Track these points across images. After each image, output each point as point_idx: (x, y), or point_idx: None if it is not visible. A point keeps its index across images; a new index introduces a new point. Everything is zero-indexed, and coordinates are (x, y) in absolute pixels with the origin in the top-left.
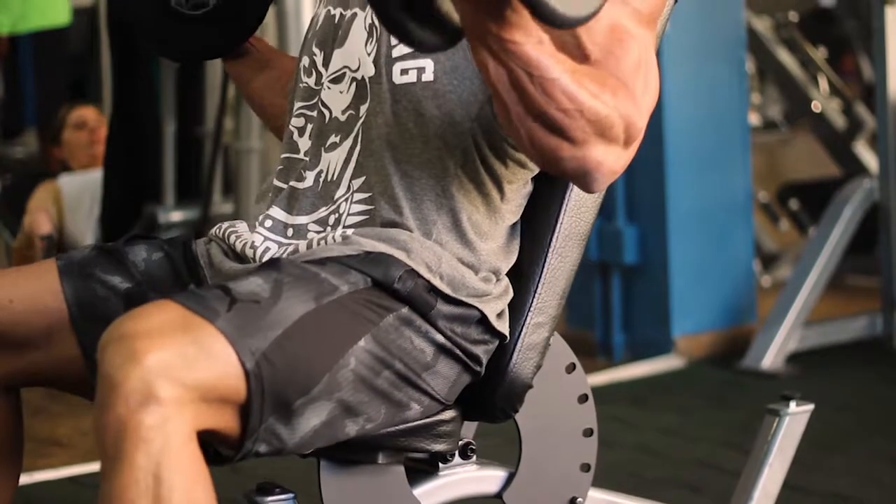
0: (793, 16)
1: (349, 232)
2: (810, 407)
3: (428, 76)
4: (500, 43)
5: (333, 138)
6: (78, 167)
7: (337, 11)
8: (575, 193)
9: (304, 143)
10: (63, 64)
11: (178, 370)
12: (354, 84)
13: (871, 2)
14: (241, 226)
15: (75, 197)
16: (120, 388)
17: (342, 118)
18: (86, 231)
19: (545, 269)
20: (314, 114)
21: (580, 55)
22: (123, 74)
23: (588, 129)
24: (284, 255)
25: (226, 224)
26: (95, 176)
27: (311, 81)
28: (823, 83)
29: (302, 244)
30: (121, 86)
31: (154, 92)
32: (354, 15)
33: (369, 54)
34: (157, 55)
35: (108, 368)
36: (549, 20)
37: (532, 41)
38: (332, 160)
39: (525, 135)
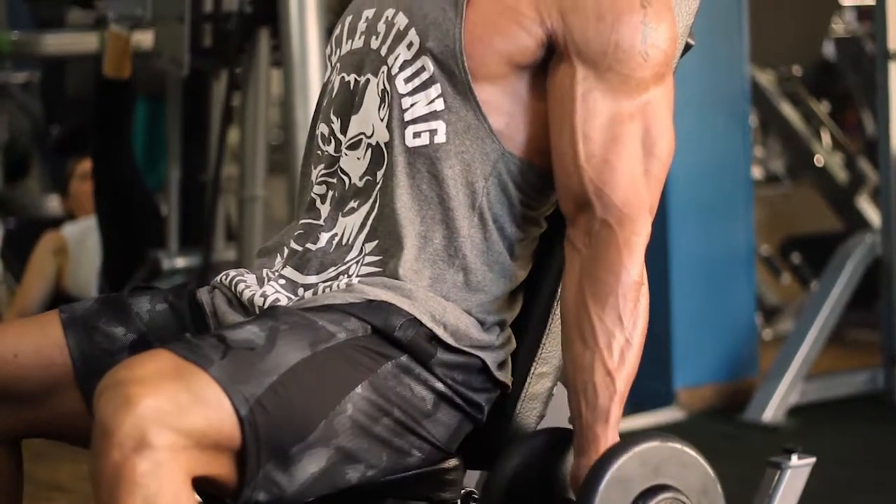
0: (796, 70)
1: (354, 280)
2: (812, 460)
3: (440, 138)
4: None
5: (352, 204)
6: (83, 215)
7: (351, 77)
8: None
9: (325, 210)
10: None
11: (171, 417)
12: (370, 150)
13: (874, 57)
14: (250, 277)
15: (80, 242)
16: (114, 435)
17: (360, 184)
18: (92, 276)
19: (550, 321)
20: (335, 181)
21: (573, 165)
22: (104, 124)
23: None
24: (284, 305)
25: (233, 272)
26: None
27: (331, 149)
28: (826, 137)
29: (307, 294)
30: (101, 136)
31: (131, 143)
32: (368, 81)
33: (382, 120)
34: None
35: (102, 415)
36: None
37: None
38: (349, 225)
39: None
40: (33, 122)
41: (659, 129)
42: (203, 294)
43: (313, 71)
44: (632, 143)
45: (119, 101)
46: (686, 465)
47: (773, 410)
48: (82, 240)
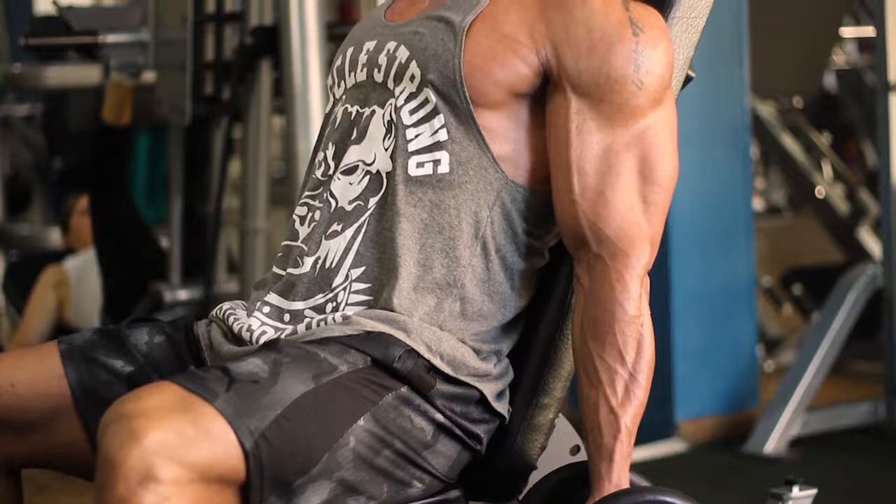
0: (797, 102)
1: (350, 312)
2: (813, 492)
3: (444, 168)
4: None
5: (336, 226)
6: (83, 248)
7: (354, 109)
8: None
9: (304, 231)
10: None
11: (177, 450)
12: (368, 177)
13: (875, 88)
14: (240, 310)
15: (82, 275)
16: (120, 468)
17: (348, 208)
18: (93, 308)
19: (551, 352)
20: (317, 203)
21: (568, 198)
22: (102, 166)
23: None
24: (283, 337)
25: (226, 305)
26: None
27: (320, 173)
28: (827, 169)
29: (301, 326)
30: (99, 177)
31: (128, 182)
32: (373, 112)
33: (387, 149)
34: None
35: (107, 449)
36: None
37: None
38: (332, 248)
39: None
40: (35, 155)
41: (659, 155)
42: (200, 327)
43: (315, 103)
44: (627, 174)
45: (117, 144)
46: None
47: (774, 442)
48: (84, 272)
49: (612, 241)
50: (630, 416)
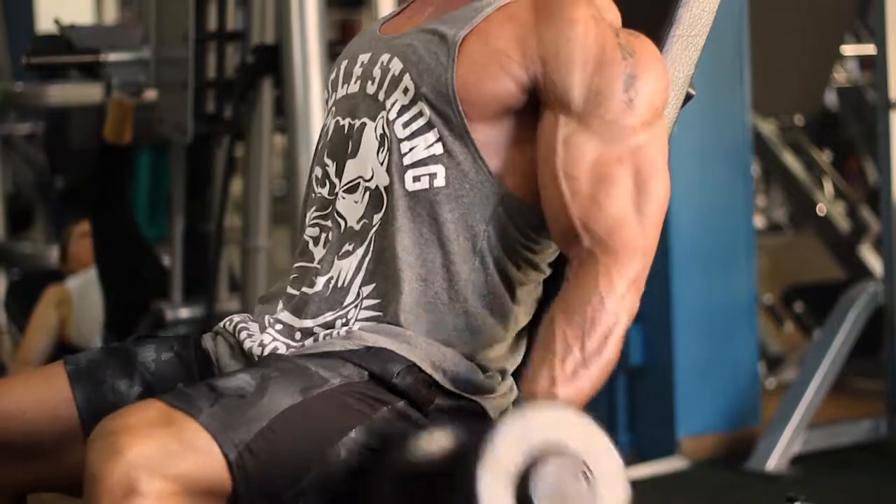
0: (798, 119)
1: (354, 327)
2: None
3: (440, 182)
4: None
5: (348, 247)
6: (83, 269)
7: (346, 122)
8: None
9: (319, 252)
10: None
11: (160, 464)
12: (368, 193)
13: (876, 106)
14: (253, 325)
15: (84, 294)
16: (103, 483)
17: (356, 227)
18: (96, 327)
19: None
20: (329, 223)
21: (560, 206)
22: (104, 184)
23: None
24: (279, 353)
25: (237, 318)
26: None
27: (325, 192)
28: (828, 186)
29: (308, 342)
30: (100, 195)
31: (130, 201)
32: (364, 125)
33: (382, 163)
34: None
35: (91, 464)
36: None
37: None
38: (345, 267)
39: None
40: (37, 173)
41: (651, 171)
42: (207, 341)
43: (316, 121)
44: (621, 183)
45: (118, 163)
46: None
47: (776, 459)
48: (85, 291)
49: (604, 240)
50: (567, 395)
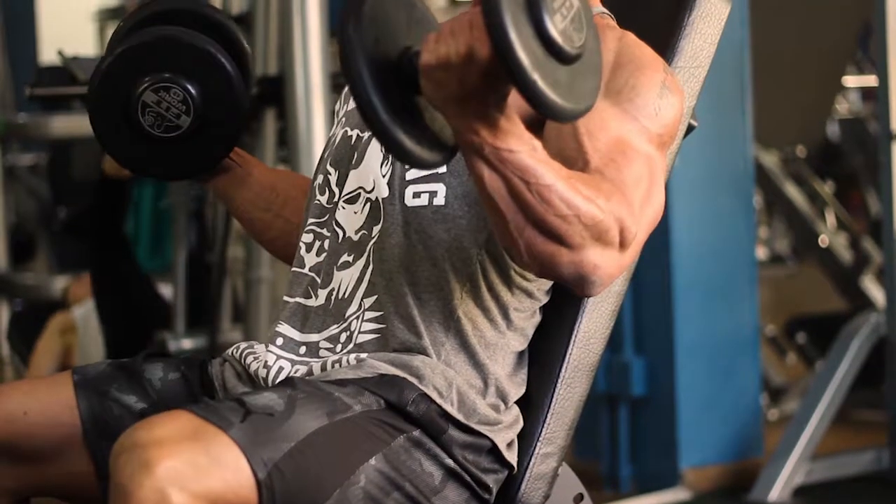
0: (800, 150)
1: (363, 356)
2: None
3: (439, 200)
4: (496, 152)
5: (346, 257)
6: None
7: (354, 133)
8: (584, 325)
9: (311, 259)
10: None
11: (189, 479)
12: (368, 204)
13: (878, 137)
14: (259, 347)
15: (88, 322)
16: (132, 498)
17: (355, 238)
18: (100, 356)
19: (554, 400)
20: (326, 232)
21: (581, 161)
22: (102, 220)
23: (585, 233)
24: (298, 376)
25: (244, 344)
26: None
27: (324, 199)
28: (831, 218)
29: (315, 365)
30: (99, 231)
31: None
32: (371, 137)
33: (384, 176)
34: (136, 175)
35: (120, 478)
36: (550, 112)
37: (526, 149)
38: (345, 279)
39: (524, 245)
40: (40, 205)
41: (656, 182)
42: (214, 366)
43: (319, 152)
44: (638, 167)
45: (116, 196)
46: None
47: (778, 490)
48: (90, 320)
49: (616, 186)
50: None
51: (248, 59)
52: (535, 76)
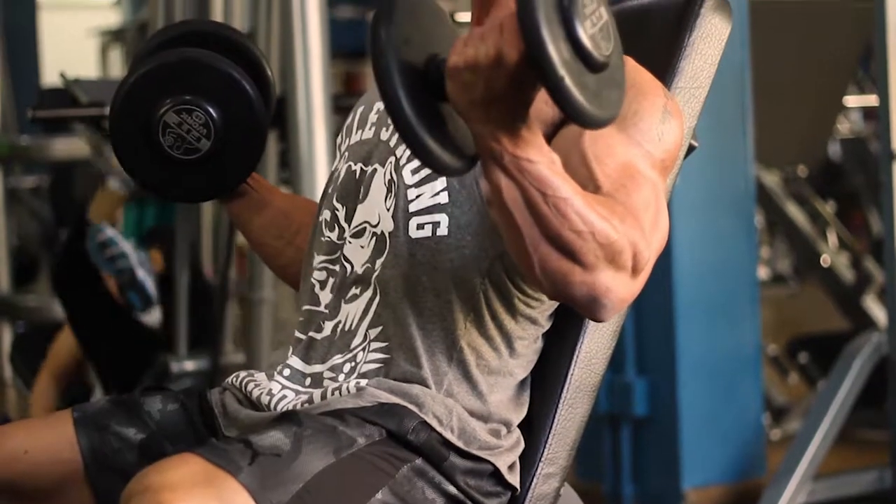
0: (802, 170)
1: (363, 383)
2: None
3: (442, 231)
4: (515, 161)
5: (354, 290)
6: None
7: (357, 167)
8: (585, 345)
9: (326, 296)
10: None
11: None
12: (374, 238)
13: (879, 157)
14: (259, 375)
15: None
16: None
17: (360, 271)
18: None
19: (556, 420)
20: (336, 268)
21: (592, 186)
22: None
23: (599, 252)
24: (299, 406)
25: (243, 373)
26: None
27: (334, 236)
28: (832, 237)
29: (316, 394)
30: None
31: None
32: (375, 171)
33: (388, 209)
34: (154, 197)
35: None
36: (576, 113)
37: (545, 161)
38: (351, 311)
39: (538, 261)
40: (42, 227)
41: (662, 208)
42: (213, 395)
43: (321, 175)
44: (646, 192)
45: (81, 243)
46: None
47: None
48: None
49: (629, 209)
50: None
51: (270, 82)
52: (564, 73)
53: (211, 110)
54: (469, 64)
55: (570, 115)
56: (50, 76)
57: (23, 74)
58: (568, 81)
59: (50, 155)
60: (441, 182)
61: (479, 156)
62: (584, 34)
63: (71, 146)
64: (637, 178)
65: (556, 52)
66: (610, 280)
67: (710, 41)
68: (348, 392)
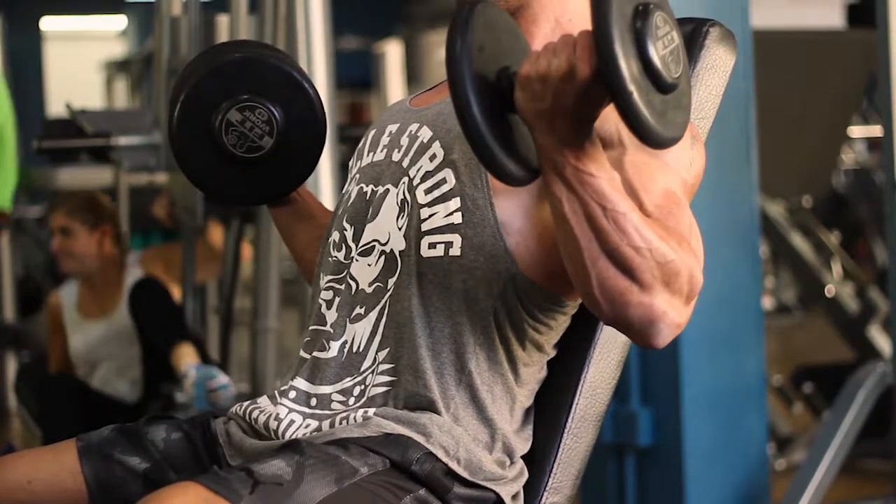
0: (806, 200)
1: (370, 412)
2: None
3: (455, 251)
4: (577, 174)
5: (359, 310)
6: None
7: (369, 188)
8: (590, 375)
9: (332, 316)
10: None
11: None
12: (383, 257)
13: (883, 187)
14: (263, 400)
15: (107, 340)
16: None
17: (369, 290)
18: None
19: (560, 450)
20: (342, 287)
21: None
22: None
23: (656, 272)
24: (306, 433)
25: (247, 402)
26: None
27: (341, 255)
28: (837, 267)
29: (325, 423)
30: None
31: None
32: (387, 191)
33: (400, 228)
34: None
35: None
36: (641, 129)
37: (606, 176)
38: (358, 331)
39: (595, 277)
40: (47, 256)
41: (698, 230)
42: (218, 424)
43: (327, 203)
44: (688, 218)
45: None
46: None
47: None
48: (108, 339)
49: (673, 230)
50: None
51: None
52: (633, 88)
53: (273, 108)
54: (541, 75)
55: (635, 130)
56: (55, 107)
57: (29, 105)
58: (636, 97)
59: (55, 185)
60: (455, 202)
61: (542, 168)
62: (655, 54)
63: (76, 176)
64: (681, 205)
65: (627, 67)
66: (666, 304)
67: (715, 72)
68: (355, 421)
